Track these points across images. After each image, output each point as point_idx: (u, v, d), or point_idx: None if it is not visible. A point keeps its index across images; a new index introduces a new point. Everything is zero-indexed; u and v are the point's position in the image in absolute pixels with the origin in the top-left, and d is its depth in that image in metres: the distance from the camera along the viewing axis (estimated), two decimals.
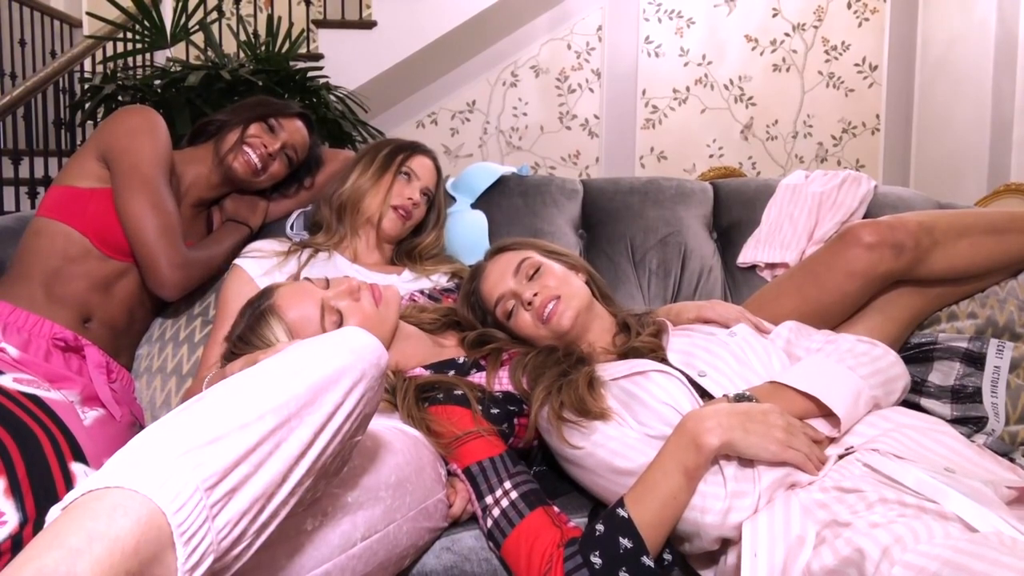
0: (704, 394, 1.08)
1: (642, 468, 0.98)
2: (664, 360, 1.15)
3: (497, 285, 1.28)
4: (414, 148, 1.66)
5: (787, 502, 0.91)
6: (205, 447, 0.65)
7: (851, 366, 1.05)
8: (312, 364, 0.77)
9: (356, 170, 1.62)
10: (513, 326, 1.26)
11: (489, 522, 1.04)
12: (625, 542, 0.92)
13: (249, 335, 1.15)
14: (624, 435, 1.05)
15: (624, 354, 1.21)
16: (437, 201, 1.69)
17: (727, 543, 0.96)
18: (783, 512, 0.90)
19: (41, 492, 1.03)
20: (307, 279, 1.23)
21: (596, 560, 0.92)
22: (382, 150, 1.64)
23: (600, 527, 0.95)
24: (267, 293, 1.19)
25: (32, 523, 1.00)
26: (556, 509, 1.05)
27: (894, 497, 0.86)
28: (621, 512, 0.94)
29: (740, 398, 1.01)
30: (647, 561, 0.91)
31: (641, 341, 1.20)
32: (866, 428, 1.02)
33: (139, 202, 1.39)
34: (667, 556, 0.97)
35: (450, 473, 1.14)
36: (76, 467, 1.10)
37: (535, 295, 1.22)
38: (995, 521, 0.80)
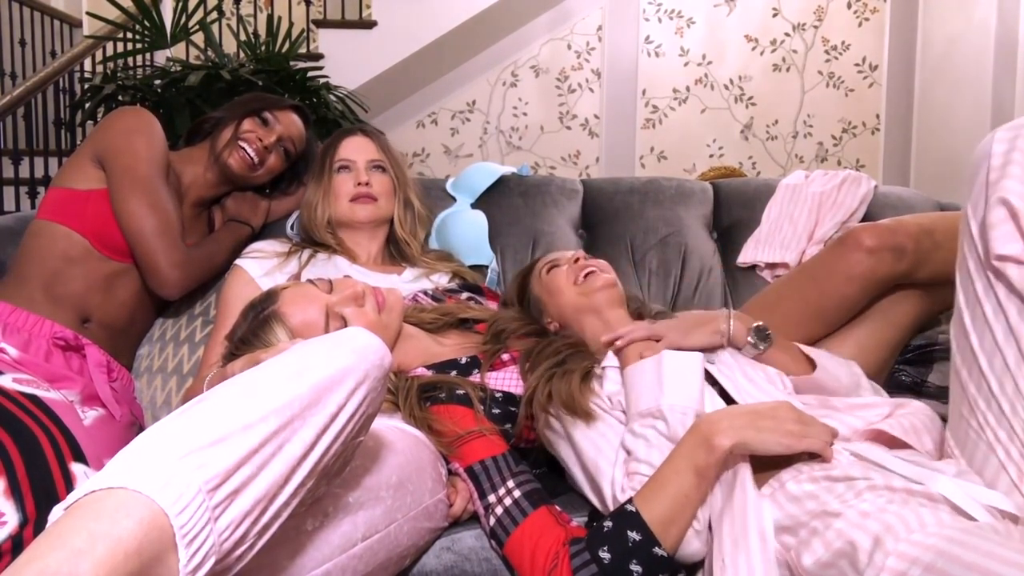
0: (712, 381, 1.11)
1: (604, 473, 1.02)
2: None
3: (555, 254, 1.39)
4: (337, 138, 1.64)
5: (744, 500, 0.92)
6: (208, 448, 0.65)
7: None
8: (315, 365, 0.77)
9: (308, 186, 1.63)
10: (547, 279, 1.33)
11: (492, 520, 1.04)
12: (633, 535, 0.92)
13: (252, 339, 1.15)
14: (602, 436, 1.07)
15: None
16: (391, 168, 1.63)
17: None
18: (741, 513, 0.91)
19: (41, 493, 1.03)
20: (310, 281, 1.23)
21: (605, 555, 0.92)
22: (319, 156, 1.64)
23: (608, 523, 0.95)
24: (271, 297, 1.19)
25: (32, 524, 1.00)
26: (559, 508, 1.05)
27: (882, 482, 0.86)
28: (629, 507, 0.94)
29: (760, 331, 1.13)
30: (659, 551, 0.91)
31: None
32: (857, 422, 1.03)
33: (135, 202, 1.38)
34: None
35: (451, 472, 1.14)
36: (76, 467, 1.10)
37: (584, 257, 1.32)
38: (979, 495, 0.81)
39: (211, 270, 1.53)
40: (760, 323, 1.16)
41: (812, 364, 1.15)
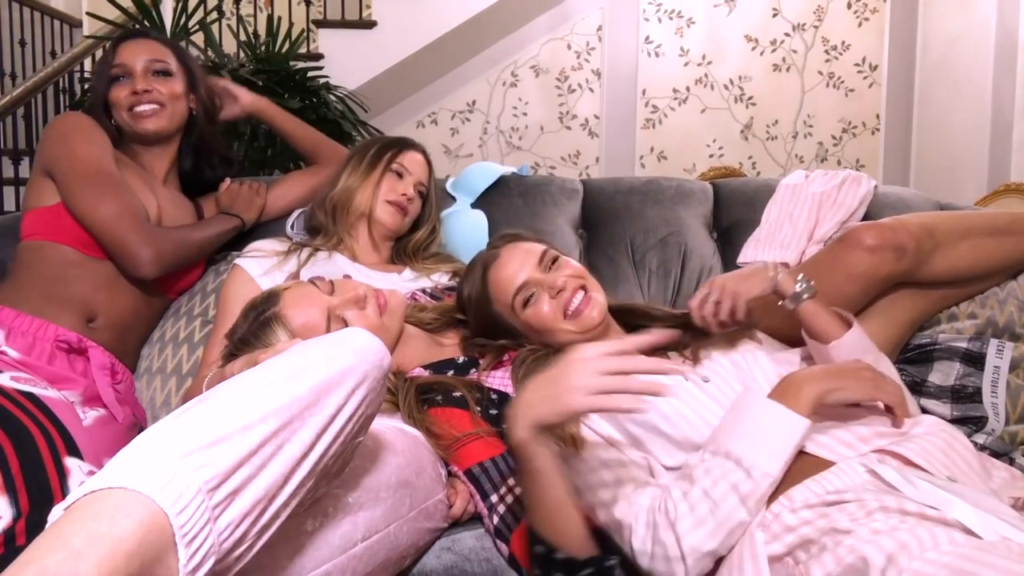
0: None
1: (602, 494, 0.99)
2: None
3: (519, 272, 1.20)
4: (403, 144, 1.66)
5: (740, 550, 0.91)
6: (208, 448, 0.65)
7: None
8: (315, 365, 0.77)
9: (346, 171, 1.62)
10: (529, 316, 1.19)
11: (495, 519, 1.04)
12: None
13: (252, 340, 1.15)
14: (595, 460, 1.04)
15: None
16: (430, 196, 1.69)
17: None
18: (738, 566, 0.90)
19: (35, 487, 1.03)
20: (311, 282, 1.22)
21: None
22: (370, 148, 1.64)
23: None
24: (271, 298, 1.18)
25: (25, 518, 1.00)
26: None
27: (895, 505, 0.85)
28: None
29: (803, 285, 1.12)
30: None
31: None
32: (873, 436, 1.01)
33: (85, 197, 1.38)
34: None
35: (451, 474, 1.14)
36: (70, 462, 1.10)
37: (564, 283, 1.17)
38: (998, 526, 0.80)
39: (188, 251, 1.49)
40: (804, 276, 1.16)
41: (846, 325, 1.14)
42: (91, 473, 1.07)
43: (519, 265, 1.21)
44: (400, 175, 1.62)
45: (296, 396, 0.73)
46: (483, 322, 1.27)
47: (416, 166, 1.65)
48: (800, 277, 1.15)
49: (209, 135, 1.65)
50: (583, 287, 1.18)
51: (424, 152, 1.70)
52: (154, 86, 1.52)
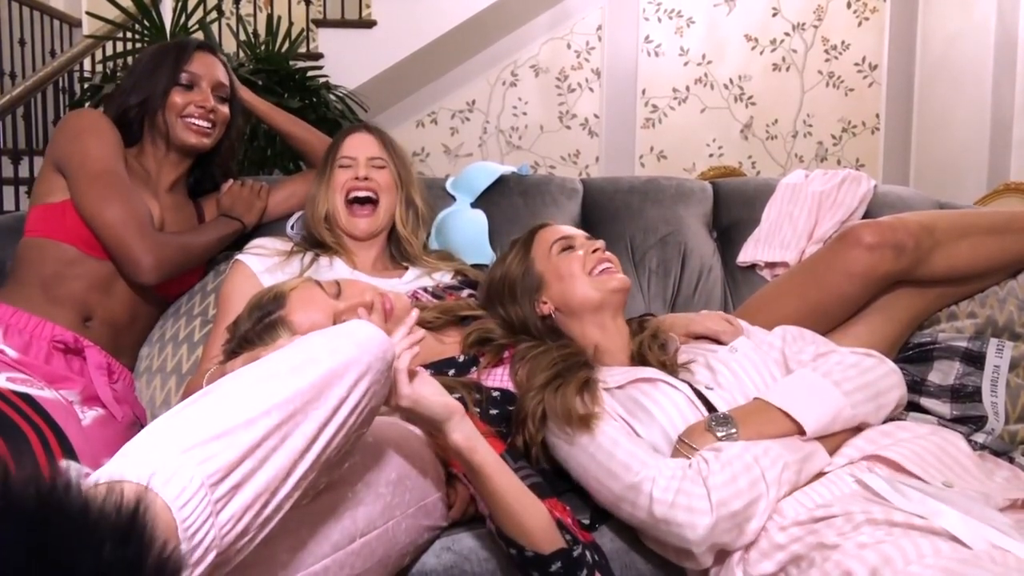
0: (710, 408, 1.09)
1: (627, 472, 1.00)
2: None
3: (567, 231, 1.32)
4: (340, 135, 1.64)
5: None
6: (210, 442, 0.66)
7: (837, 380, 1.04)
8: (317, 358, 0.77)
9: (312, 184, 1.63)
10: (560, 260, 1.26)
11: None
12: None
13: (256, 340, 1.14)
14: (613, 442, 1.05)
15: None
16: (396, 166, 1.63)
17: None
18: None
19: None
20: (319, 285, 1.22)
21: None
22: (324, 154, 1.64)
23: None
24: (278, 299, 1.17)
25: None
26: (563, 504, 1.04)
27: (882, 516, 0.85)
28: None
29: (720, 420, 1.02)
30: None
31: (658, 360, 1.19)
32: (864, 443, 1.01)
33: (94, 197, 1.38)
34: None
35: (452, 475, 1.14)
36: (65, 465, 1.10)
37: (602, 245, 1.27)
38: (988, 534, 0.80)
39: (189, 257, 1.49)
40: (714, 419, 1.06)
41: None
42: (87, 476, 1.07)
43: (570, 231, 1.32)
44: (348, 165, 1.59)
45: (298, 389, 0.73)
46: (511, 284, 1.29)
47: (360, 148, 1.60)
48: (717, 430, 1.03)
49: (228, 154, 1.68)
50: (613, 264, 1.25)
51: (370, 128, 1.66)
52: (216, 106, 1.56)
